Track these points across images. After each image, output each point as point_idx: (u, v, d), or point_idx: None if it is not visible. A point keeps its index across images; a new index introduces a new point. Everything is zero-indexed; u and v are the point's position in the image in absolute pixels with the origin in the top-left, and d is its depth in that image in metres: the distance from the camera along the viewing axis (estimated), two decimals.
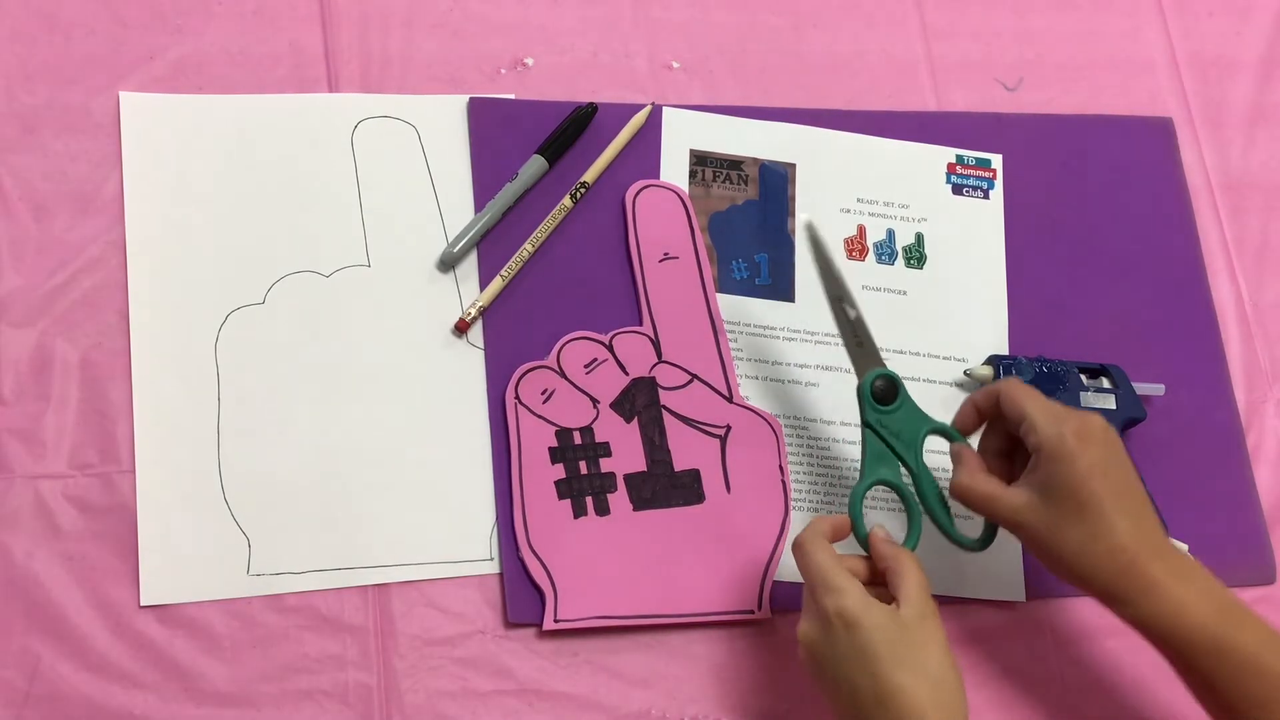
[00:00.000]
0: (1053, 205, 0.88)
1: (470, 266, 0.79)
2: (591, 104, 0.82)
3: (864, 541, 0.72)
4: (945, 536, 0.73)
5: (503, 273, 0.78)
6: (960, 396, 0.82)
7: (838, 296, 0.75)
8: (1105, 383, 0.82)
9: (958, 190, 0.88)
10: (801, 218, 0.82)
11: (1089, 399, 0.81)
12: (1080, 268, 0.87)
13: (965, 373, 0.82)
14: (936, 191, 0.87)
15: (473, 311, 0.77)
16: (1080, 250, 0.88)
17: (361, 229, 0.79)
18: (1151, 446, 0.82)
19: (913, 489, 0.72)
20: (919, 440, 0.72)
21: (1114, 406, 0.81)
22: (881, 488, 0.73)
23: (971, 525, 0.75)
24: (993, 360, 0.82)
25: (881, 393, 0.73)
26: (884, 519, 0.76)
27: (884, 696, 0.61)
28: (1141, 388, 0.82)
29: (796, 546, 0.67)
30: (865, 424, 0.73)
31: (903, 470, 0.73)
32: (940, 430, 0.73)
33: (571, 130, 0.82)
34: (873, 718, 0.61)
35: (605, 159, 0.82)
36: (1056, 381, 0.81)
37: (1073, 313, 0.86)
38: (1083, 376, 0.82)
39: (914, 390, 0.81)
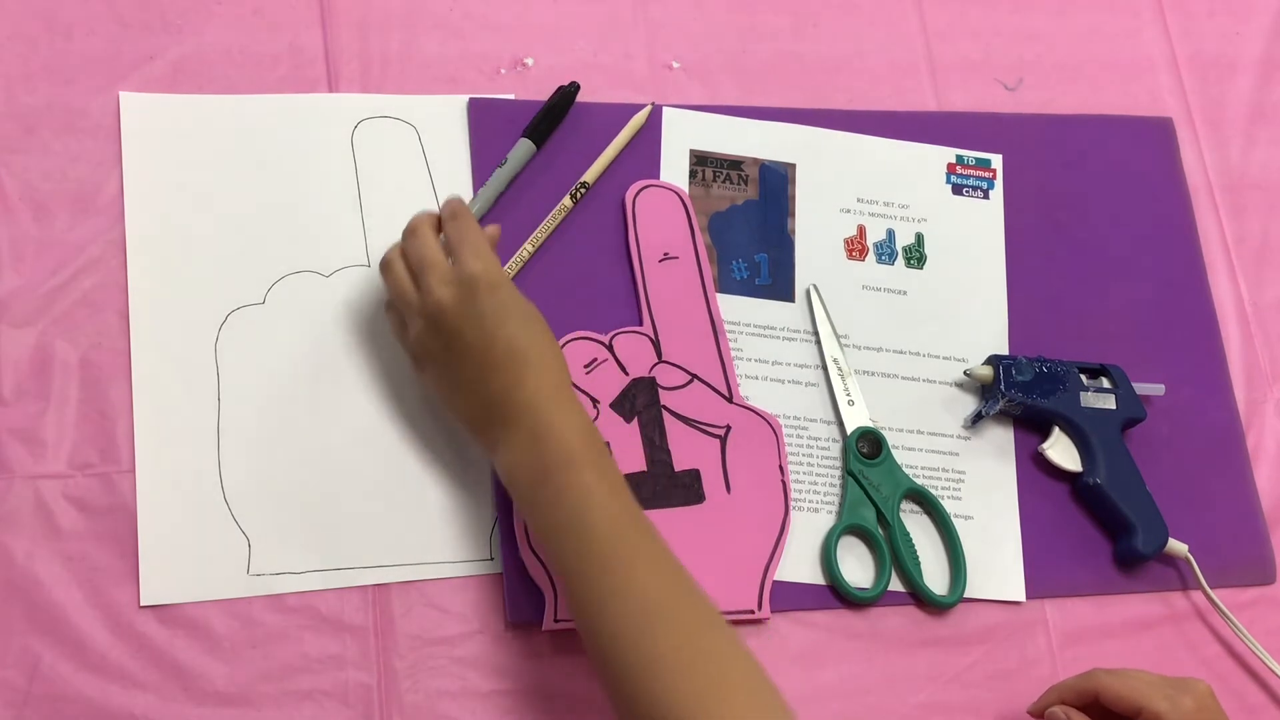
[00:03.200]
0: (1053, 205, 0.88)
1: None
2: (573, 82, 0.82)
3: (837, 580, 0.76)
4: (914, 590, 0.77)
5: (505, 269, 0.78)
6: (961, 396, 0.82)
7: (834, 358, 0.80)
8: (1105, 382, 0.82)
9: (958, 190, 0.88)
10: (807, 283, 0.83)
11: (1089, 399, 0.81)
12: (1080, 267, 0.87)
13: (965, 373, 0.82)
14: (936, 191, 0.87)
15: None
16: (1080, 250, 0.88)
17: (361, 229, 0.79)
18: (1151, 446, 0.82)
19: (885, 540, 0.77)
20: (897, 496, 0.78)
21: (1114, 406, 0.81)
22: (852, 537, 0.78)
23: (939, 581, 0.78)
24: (993, 360, 0.82)
25: (867, 448, 0.79)
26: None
27: (517, 348, 0.68)
28: (1141, 388, 0.82)
29: (411, 232, 0.72)
30: (848, 471, 0.78)
31: (878, 522, 0.78)
32: (918, 491, 0.79)
33: (557, 110, 0.82)
34: (501, 367, 0.68)
35: (605, 159, 0.82)
36: (1056, 382, 0.81)
37: (1073, 313, 0.86)
38: (1083, 376, 0.82)
39: (914, 390, 0.82)
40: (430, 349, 0.70)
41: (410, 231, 0.72)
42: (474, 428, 0.70)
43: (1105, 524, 0.81)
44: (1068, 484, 0.82)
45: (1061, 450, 0.81)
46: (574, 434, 0.66)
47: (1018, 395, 0.80)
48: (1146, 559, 0.79)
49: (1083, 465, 0.81)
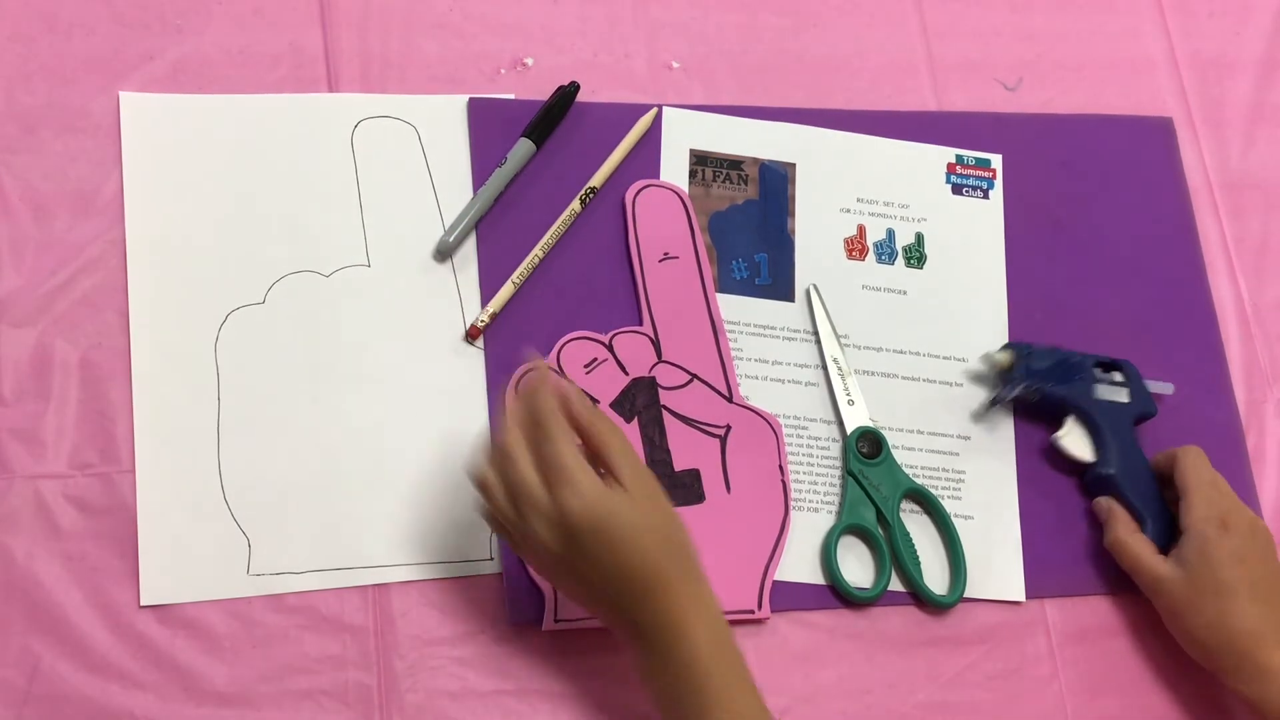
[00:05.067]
0: (1053, 205, 0.88)
1: (468, 262, 0.79)
2: (573, 82, 0.83)
3: (837, 580, 0.76)
4: (914, 590, 0.77)
5: (514, 279, 0.78)
6: (961, 396, 0.82)
7: (834, 358, 0.80)
8: (1118, 377, 0.82)
9: (958, 190, 0.88)
10: (807, 283, 0.83)
11: (1102, 391, 0.81)
12: (1080, 268, 0.87)
13: (983, 358, 0.82)
14: (936, 191, 0.87)
15: (485, 318, 0.77)
16: (1080, 250, 0.88)
17: (361, 229, 0.79)
18: (1152, 446, 0.82)
19: (885, 540, 0.77)
20: (897, 496, 0.78)
21: (1126, 400, 0.81)
22: (852, 536, 0.78)
23: (939, 581, 0.78)
24: (1012, 346, 0.82)
25: (867, 448, 0.79)
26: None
27: (634, 576, 0.64)
28: (1152, 385, 0.82)
29: (505, 456, 0.65)
30: (848, 471, 0.78)
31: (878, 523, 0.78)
32: (918, 491, 0.79)
33: (556, 110, 0.82)
34: (620, 593, 0.65)
35: (612, 163, 0.82)
36: (1072, 371, 0.81)
37: (1072, 312, 0.86)
38: (1096, 369, 0.82)
39: (914, 390, 0.82)
40: (542, 565, 0.68)
41: (504, 455, 0.65)
42: (604, 623, 0.69)
43: None
44: (1076, 476, 0.81)
45: (1076, 440, 0.81)
46: (705, 651, 0.64)
47: (1036, 381, 0.80)
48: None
49: (1095, 456, 0.80)
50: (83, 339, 0.73)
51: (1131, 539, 0.77)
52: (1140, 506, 0.79)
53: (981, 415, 0.82)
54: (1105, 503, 0.79)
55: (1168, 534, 0.79)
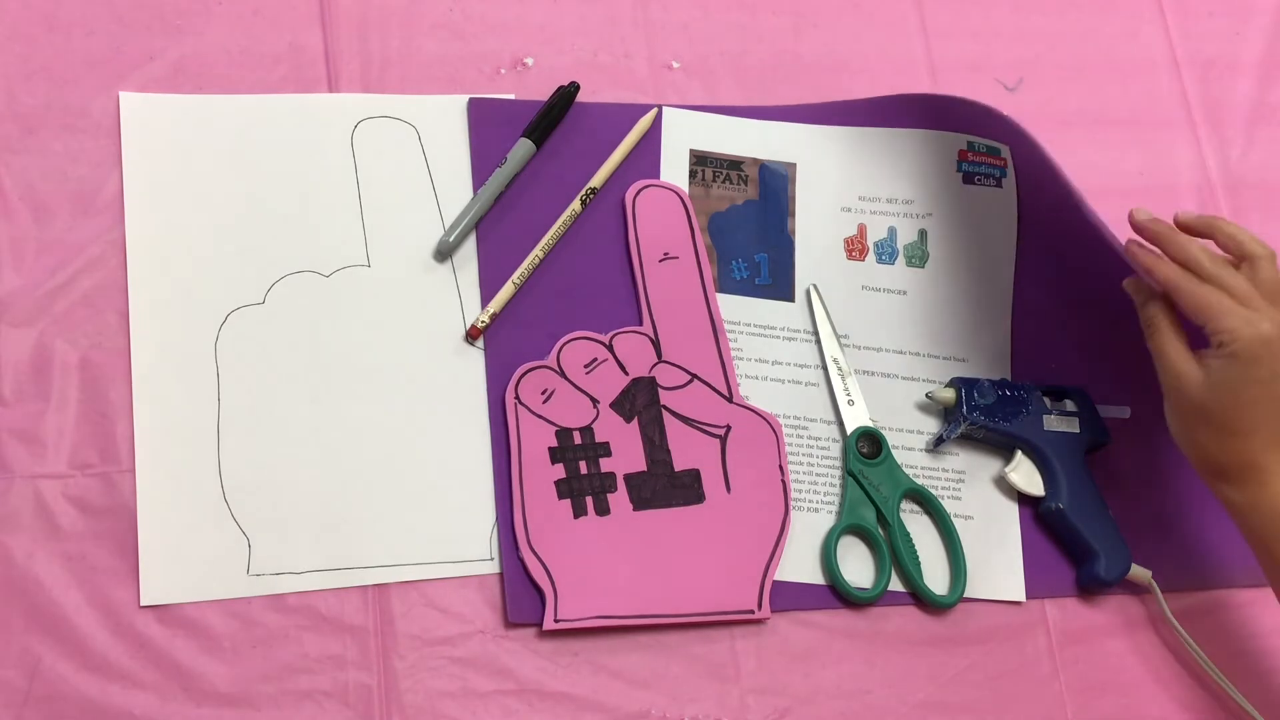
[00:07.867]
0: (1056, 203, 0.88)
1: (468, 262, 0.79)
2: (573, 82, 0.83)
3: (837, 580, 0.76)
4: (914, 590, 0.77)
5: (514, 279, 0.78)
6: None
7: (834, 358, 0.80)
8: (1069, 405, 0.81)
9: (969, 179, 0.86)
10: (807, 283, 0.83)
11: (1052, 422, 0.80)
12: (1091, 260, 0.86)
13: (927, 395, 0.81)
14: (947, 181, 0.86)
15: (485, 319, 0.77)
16: (1087, 243, 0.87)
17: (361, 229, 0.79)
18: (1152, 446, 0.82)
19: (885, 540, 0.77)
20: (897, 496, 0.78)
21: (1077, 430, 0.80)
22: (852, 536, 0.78)
23: (939, 581, 0.77)
24: (955, 383, 0.80)
25: (867, 448, 0.79)
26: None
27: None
28: (1106, 410, 0.81)
29: None
30: (848, 471, 0.78)
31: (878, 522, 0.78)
32: (918, 491, 0.79)
33: (556, 110, 0.82)
34: None
35: (613, 163, 0.81)
36: (1019, 405, 0.80)
37: (1079, 307, 0.85)
38: (1046, 400, 0.81)
39: (914, 391, 0.82)
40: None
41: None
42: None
43: (1068, 549, 0.80)
44: (1031, 508, 0.81)
45: (1024, 474, 0.80)
46: None
47: (979, 418, 0.79)
48: (1109, 585, 0.78)
49: (1045, 490, 0.79)
50: (83, 339, 0.73)
51: (1168, 339, 0.74)
52: (1090, 539, 0.78)
53: (929, 451, 0.81)
54: (1155, 311, 0.75)
55: (1124, 564, 0.78)
